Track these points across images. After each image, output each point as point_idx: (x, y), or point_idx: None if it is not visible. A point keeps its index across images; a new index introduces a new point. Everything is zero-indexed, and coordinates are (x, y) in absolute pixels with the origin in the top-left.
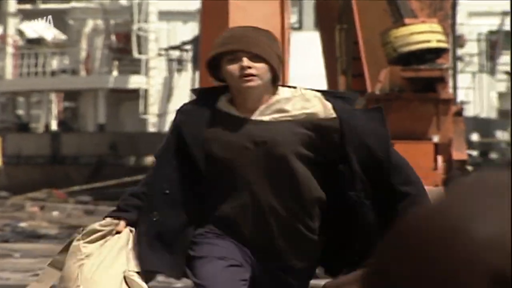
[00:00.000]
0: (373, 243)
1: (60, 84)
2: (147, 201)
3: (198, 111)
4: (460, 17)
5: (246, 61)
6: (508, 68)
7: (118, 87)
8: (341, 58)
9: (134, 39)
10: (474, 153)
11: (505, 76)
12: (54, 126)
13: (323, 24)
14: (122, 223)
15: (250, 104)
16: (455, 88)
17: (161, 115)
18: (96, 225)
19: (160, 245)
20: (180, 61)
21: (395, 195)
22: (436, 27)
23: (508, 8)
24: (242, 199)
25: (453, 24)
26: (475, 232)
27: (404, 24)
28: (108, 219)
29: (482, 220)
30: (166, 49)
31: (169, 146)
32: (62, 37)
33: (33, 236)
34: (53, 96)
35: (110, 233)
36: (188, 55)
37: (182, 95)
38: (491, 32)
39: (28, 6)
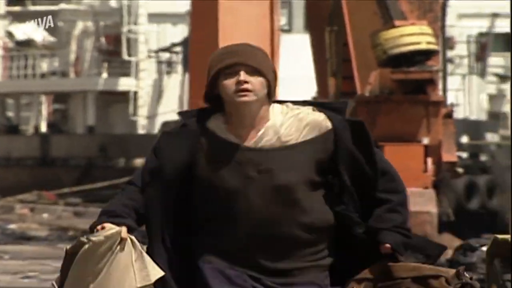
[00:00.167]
0: (367, 253)
1: (50, 86)
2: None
3: (184, 135)
4: (450, 19)
5: (243, 75)
6: (497, 70)
7: (107, 89)
8: (331, 60)
9: (124, 41)
10: (464, 155)
11: (495, 78)
12: (43, 128)
13: (313, 26)
14: (124, 229)
15: (247, 126)
16: (445, 90)
17: (151, 117)
18: (101, 237)
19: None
20: (170, 63)
21: (379, 202)
22: (426, 29)
23: (497, 10)
24: (244, 229)
25: (443, 26)
26: None
27: (394, 26)
28: (111, 226)
29: None
30: (156, 51)
31: (149, 171)
32: (52, 39)
33: (23, 238)
34: (42, 98)
35: (114, 243)
36: (178, 57)
37: (172, 97)
38: (481, 34)
39: (17, 8)
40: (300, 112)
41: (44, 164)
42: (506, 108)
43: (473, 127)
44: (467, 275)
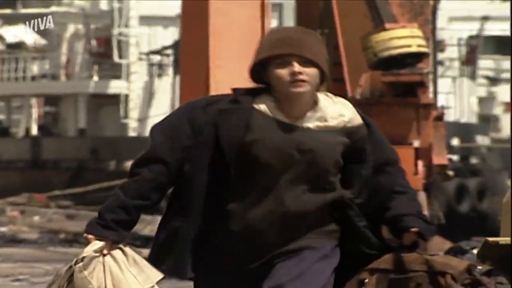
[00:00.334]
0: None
1: (41, 88)
2: (167, 203)
3: (239, 112)
4: (441, 22)
5: (297, 67)
6: (488, 73)
7: (98, 91)
8: None
9: (114, 44)
10: (455, 157)
11: (485, 81)
12: (34, 130)
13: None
14: (107, 245)
15: (297, 109)
16: (435, 92)
17: (142, 119)
18: (91, 252)
19: (167, 248)
20: (160, 66)
21: (389, 199)
22: (417, 32)
23: (487, 13)
24: (272, 204)
25: (434, 29)
26: None
27: (384, 29)
28: (98, 243)
29: None
30: (147, 54)
31: (198, 145)
32: (43, 41)
33: (14, 240)
34: (33, 101)
35: (101, 260)
36: (169, 60)
37: (163, 99)
38: (471, 37)
39: (8, 11)
40: (340, 100)
41: (35, 166)
42: (496, 111)
43: (464, 130)
44: (478, 270)
